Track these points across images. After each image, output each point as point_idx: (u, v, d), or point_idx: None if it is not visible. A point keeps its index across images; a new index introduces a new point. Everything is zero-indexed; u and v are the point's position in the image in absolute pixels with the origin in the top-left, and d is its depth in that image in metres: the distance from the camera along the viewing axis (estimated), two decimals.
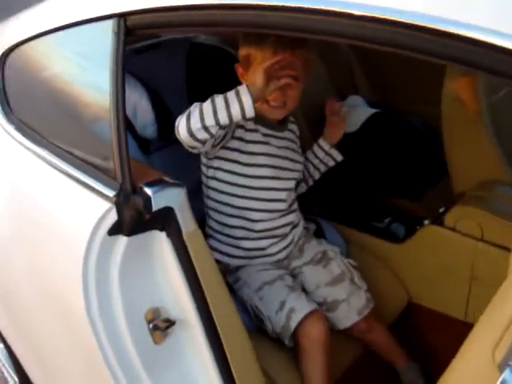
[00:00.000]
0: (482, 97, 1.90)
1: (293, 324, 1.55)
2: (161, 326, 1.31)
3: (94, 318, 1.30)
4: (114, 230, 1.25)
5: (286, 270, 1.74)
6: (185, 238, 1.26)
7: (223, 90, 1.42)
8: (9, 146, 1.66)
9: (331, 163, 1.87)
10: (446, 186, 2.06)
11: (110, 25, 1.22)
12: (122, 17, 1.20)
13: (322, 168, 1.87)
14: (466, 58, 0.79)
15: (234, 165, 1.64)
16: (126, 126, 1.24)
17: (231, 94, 1.40)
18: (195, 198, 1.40)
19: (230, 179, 1.65)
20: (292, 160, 1.75)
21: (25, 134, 1.61)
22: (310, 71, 1.62)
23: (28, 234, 1.58)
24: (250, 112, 1.39)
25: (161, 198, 1.22)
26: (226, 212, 1.69)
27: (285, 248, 1.75)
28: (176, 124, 1.44)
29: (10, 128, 1.66)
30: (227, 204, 1.68)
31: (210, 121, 1.39)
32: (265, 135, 1.66)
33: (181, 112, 1.44)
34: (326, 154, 1.84)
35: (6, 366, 2.15)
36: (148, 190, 1.21)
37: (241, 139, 1.63)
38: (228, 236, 1.71)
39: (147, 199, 1.20)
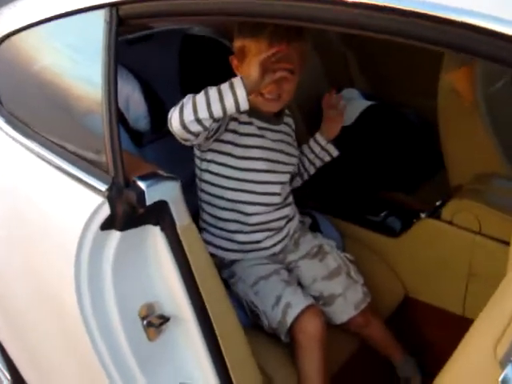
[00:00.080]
0: (478, 88, 1.88)
1: (289, 319, 1.54)
2: (155, 322, 1.30)
3: (87, 315, 1.29)
4: (107, 225, 1.23)
5: (282, 264, 1.72)
6: (179, 232, 1.24)
7: (217, 82, 1.40)
8: None
9: (327, 158, 1.85)
10: (442, 180, 2.05)
11: (101, 14, 1.21)
12: (114, 6, 1.19)
13: (318, 163, 1.86)
14: (465, 44, 0.78)
15: (227, 158, 1.62)
16: (119, 118, 1.22)
17: (225, 86, 1.38)
18: (189, 191, 1.38)
19: (223, 172, 1.63)
20: (287, 153, 1.73)
21: (15, 127, 1.58)
22: (305, 64, 1.60)
23: (20, 230, 1.56)
24: (244, 105, 1.37)
25: (154, 191, 1.20)
26: (220, 205, 1.67)
27: (280, 241, 1.73)
28: (169, 116, 1.42)
29: (0, 121, 1.64)
30: (221, 197, 1.66)
31: (203, 113, 1.37)
32: (260, 128, 1.64)
33: (174, 104, 1.42)
34: (322, 149, 1.82)
35: (0, 365, 2.13)
36: (141, 184, 1.19)
37: (235, 132, 1.61)
38: (221, 229, 1.69)
39: (140, 193, 1.18)
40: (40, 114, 1.55)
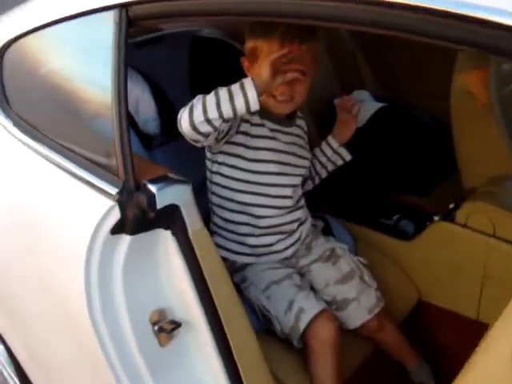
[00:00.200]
0: (492, 90, 1.86)
1: (302, 325, 1.52)
2: (166, 328, 1.28)
3: (97, 319, 1.27)
4: (117, 229, 1.21)
5: (294, 268, 1.70)
6: (191, 236, 1.22)
7: (227, 84, 1.39)
8: (6, 142, 1.63)
9: (339, 162, 1.83)
10: (455, 182, 2.03)
11: (111, 16, 1.19)
12: (123, 7, 1.17)
13: (330, 166, 1.83)
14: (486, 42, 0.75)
15: (238, 160, 1.60)
16: (129, 121, 1.21)
17: (235, 87, 1.36)
18: (200, 195, 1.37)
19: (234, 174, 1.62)
20: (299, 156, 1.71)
21: (23, 130, 1.57)
22: (318, 65, 1.58)
23: (29, 234, 1.54)
24: (254, 105, 1.35)
25: (165, 195, 1.18)
26: (230, 208, 1.65)
27: (292, 245, 1.71)
28: (178, 117, 1.40)
29: (8, 124, 1.63)
30: (231, 199, 1.64)
31: (213, 113, 1.35)
32: (272, 130, 1.62)
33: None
34: (334, 152, 1.80)
35: (7, 367, 2.13)
36: (152, 187, 1.17)
37: (246, 134, 1.59)
38: (233, 232, 1.68)
39: (151, 196, 1.16)
40: (49, 117, 1.54)
